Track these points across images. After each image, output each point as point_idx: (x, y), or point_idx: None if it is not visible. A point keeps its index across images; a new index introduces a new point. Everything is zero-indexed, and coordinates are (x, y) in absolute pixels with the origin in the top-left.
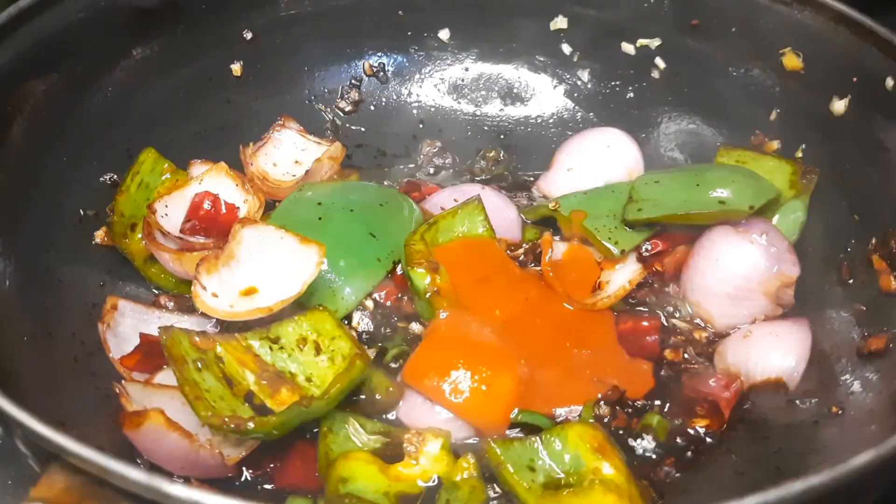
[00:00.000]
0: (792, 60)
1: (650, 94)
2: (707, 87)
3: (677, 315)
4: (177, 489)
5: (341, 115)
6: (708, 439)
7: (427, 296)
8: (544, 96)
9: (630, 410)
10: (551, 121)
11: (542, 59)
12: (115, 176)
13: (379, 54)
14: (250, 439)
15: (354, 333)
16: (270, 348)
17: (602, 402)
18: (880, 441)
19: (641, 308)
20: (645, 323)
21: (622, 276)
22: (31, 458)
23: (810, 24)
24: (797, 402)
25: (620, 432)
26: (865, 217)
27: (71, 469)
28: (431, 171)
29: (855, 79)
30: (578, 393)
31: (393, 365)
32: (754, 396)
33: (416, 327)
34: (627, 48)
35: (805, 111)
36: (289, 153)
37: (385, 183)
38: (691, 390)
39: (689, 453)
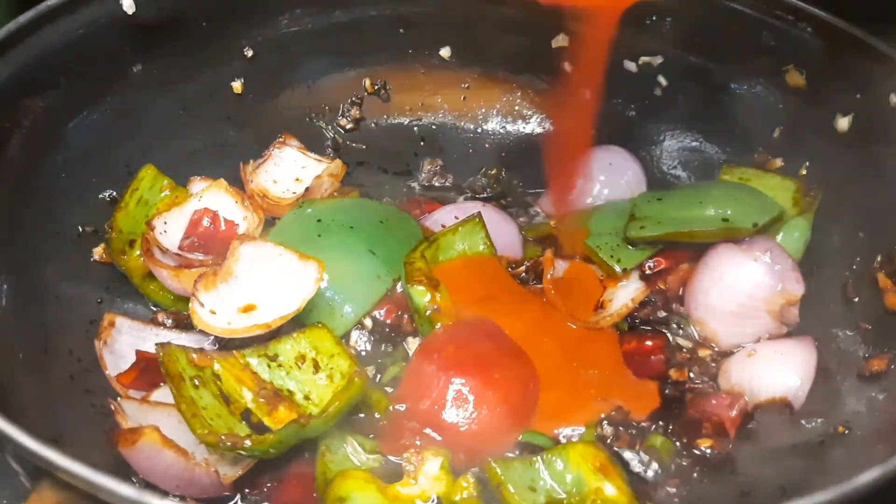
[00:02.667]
0: (795, 77)
1: (652, 112)
2: (710, 105)
3: (681, 333)
4: None
5: (342, 132)
6: (712, 459)
7: (427, 314)
8: (545, 114)
9: (634, 431)
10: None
11: (543, 77)
12: (114, 192)
13: (380, 72)
14: (247, 458)
15: (353, 352)
16: (268, 366)
17: (605, 423)
18: (886, 460)
19: (645, 326)
20: (649, 342)
21: (625, 295)
22: (23, 474)
23: (813, 41)
24: (802, 421)
25: (625, 453)
26: (870, 235)
27: (61, 485)
28: (432, 188)
29: (858, 96)
30: (582, 413)
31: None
32: (759, 416)
33: (415, 345)
34: (629, 65)
35: (809, 128)
36: (289, 170)
37: (385, 200)
38: (696, 410)
39: (693, 474)
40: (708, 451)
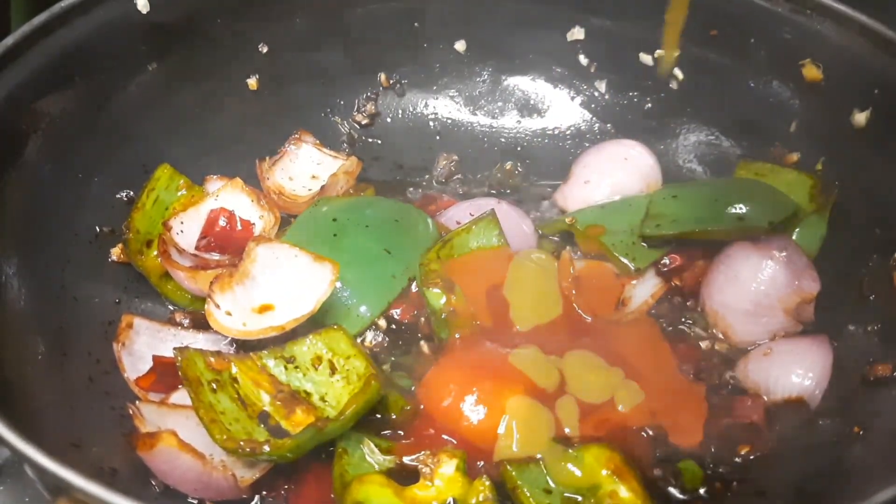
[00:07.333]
0: (812, 72)
1: (668, 106)
2: (726, 99)
3: (696, 331)
4: None
5: (358, 127)
6: (755, 463)
7: (443, 316)
8: (561, 108)
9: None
10: (568, 133)
11: (558, 70)
12: (131, 192)
13: (395, 66)
14: (264, 461)
15: (368, 352)
16: (285, 367)
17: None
18: None
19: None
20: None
21: (644, 291)
22: (40, 484)
23: (831, 35)
24: (819, 421)
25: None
26: (887, 231)
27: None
28: (448, 184)
29: (876, 91)
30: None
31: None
32: (775, 415)
33: (431, 346)
34: (645, 59)
35: (825, 123)
36: (305, 167)
37: (405, 192)
38: (727, 416)
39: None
40: (750, 455)
